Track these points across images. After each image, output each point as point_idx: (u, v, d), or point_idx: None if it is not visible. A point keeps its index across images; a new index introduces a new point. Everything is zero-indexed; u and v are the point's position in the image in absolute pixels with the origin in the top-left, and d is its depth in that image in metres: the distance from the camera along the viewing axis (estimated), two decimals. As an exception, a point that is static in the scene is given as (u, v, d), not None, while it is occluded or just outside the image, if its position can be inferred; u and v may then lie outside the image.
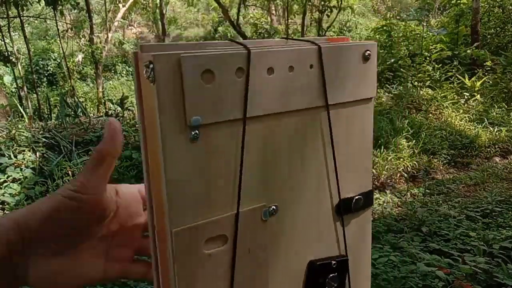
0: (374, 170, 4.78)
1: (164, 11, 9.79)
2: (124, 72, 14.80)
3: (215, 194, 0.30)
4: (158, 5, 10.37)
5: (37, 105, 8.06)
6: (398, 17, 12.01)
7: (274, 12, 14.65)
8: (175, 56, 0.26)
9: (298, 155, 0.34)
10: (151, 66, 0.26)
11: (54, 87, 13.19)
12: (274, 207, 0.33)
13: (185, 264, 0.29)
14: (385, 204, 3.84)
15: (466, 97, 7.04)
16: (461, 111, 6.54)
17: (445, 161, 5.19)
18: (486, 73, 7.68)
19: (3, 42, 7.86)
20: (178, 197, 0.28)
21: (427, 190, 4.14)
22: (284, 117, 0.32)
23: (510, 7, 9.70)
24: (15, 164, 5.00)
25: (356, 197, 0.37)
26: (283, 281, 0.34)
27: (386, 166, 4.85)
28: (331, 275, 0.35)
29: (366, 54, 0.35)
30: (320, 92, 0.33)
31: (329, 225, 0.36)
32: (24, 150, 5.25)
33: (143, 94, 0.31)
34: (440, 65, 7.90)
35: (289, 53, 0.31)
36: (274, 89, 0.31)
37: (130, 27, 16.84)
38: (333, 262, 0.36)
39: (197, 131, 0.28)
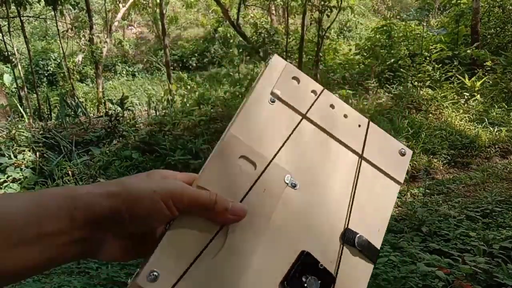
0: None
1: (164, 11, 9.78)
2: (124, 72, 14.80)
3: (268, 140, 0.40)
4: (158, 5, 10.37)
5: (37, 105, 8.06)
6: (398, 17, 12.02)
7: (274, 12, 14.64)
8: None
9: (330, 166, 0.42)
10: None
11: (54, 87, 13.19)
12: (296, 183, 0.39)
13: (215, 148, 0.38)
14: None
15: (466, 97, 7.03)
16: (461, 111, 6.54)
17: (445, 161, 5.19)
18: (486, 73, 7.68)
19: (3, 42, 7.86)
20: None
21: (427, 190, 4.14)
22: (330, 136, 0.43)
23: (510, 7, 9.70)
24: (15, 164, 5.00)
25: (360, 235, 0.40)
26: (269, 256, 0.36)
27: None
28: (313, 277, 0.36)
29: (402, 151, 0.46)
30: (362, 144, 0.44)
31: (332, 238, 0.39)
32: (24, 150, 5.25)
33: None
34: (440, 65, 7.90)
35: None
36: (329, 112, 0.44)
37: (130, 27, 16.84)
38: (322, 266, 0.37)
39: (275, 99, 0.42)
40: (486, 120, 6.12)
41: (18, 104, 7.57)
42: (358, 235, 0.39)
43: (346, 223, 0.40)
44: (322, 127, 0.43)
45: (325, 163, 0.42)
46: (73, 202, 0.30)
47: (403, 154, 0.46)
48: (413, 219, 3.21)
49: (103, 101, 9.95)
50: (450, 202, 3.66)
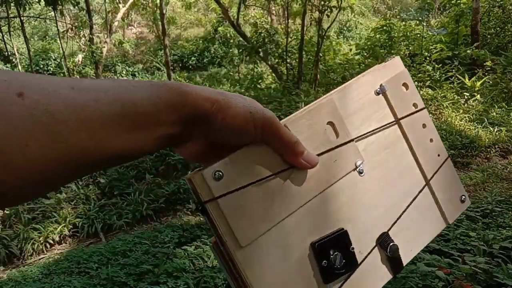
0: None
1: (164, 11, 9.78)
2: (124, 72, 14.80)
3: (357, 122, 0.42)
4: (158, 5, 10.37)
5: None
6: (398, 17, 12.01)
7: (274, 12, 14.64)
8: None
9: (398, 175, 0.44)
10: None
11: (54, 87, 13.18)
12: (363, 172, 0.41)
13: None
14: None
15: (466, 97, 7.03)
16: (461, 111, 6.53)
17: (445, 161, 5.18)
18: (486, 73, 7.68)
19: (3, 42, 7.86)
20: None
21: (427, 190, 4.14)
22: (410, 149, 0.45)
23: (510, 7, 9.70)
24: (15, 164, 5.00)
25: (395, 243, 0.42)
26: (313, 216, 0.38)
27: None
28: (340, 254, 0.38)
29: (463, 198, 0.49)
30: (433, 172, 0.47)
31: (371, 234, 0.41)
32: (24, 150, 5.26)
33: None
34: (440, 65, 7.90)
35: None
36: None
37: (130, 27, 16.84)
38: (353, 249, 0.39)
39: (380, 92, 0.45)
40: (486, 120, 6.12)
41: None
42: (393, 243, 0.41)
43: (388, 229, 0.42)
44: (408, 138, 0.45)
45: (395, 169, 0.44)
46: (183, 100, 0.32)
47: (462, 201, 0.48)
48: (413, 219, 3.20)
49: (103, 101, 9.92)
50: (450, 202, 3.66)
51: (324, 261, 0.37)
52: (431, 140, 0.46)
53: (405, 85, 0.45)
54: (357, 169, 0.40)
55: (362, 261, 0.39)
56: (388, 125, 0.43)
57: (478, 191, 4.01)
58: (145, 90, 0.31)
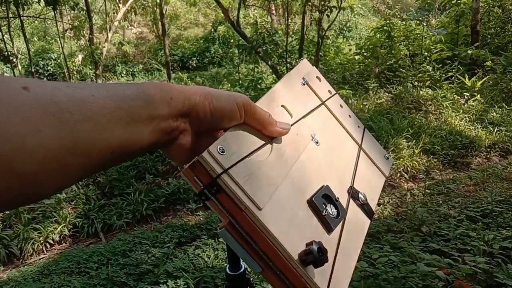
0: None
1: (164, 11, 9.78)
2: (124, 72, 14.80)
3: (299, 105, 0.50)
4: (158, 5, 10.38)
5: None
6: (398, 17, 12.01)
7: (274, 12, 14.64)
8: None
9: (341, 141, 0.53)
10: None
11: (54, 87, 13.17)
12: (318, 141, 0.49)
13: None
14: (385, 204, 3.84)
15: (466, 97, 7.03)
16: (461, 111, 6.53)
17: (445, 161, 5.19)
18: (486, 73, 7.68)
19: (3, 42, 7.86)
20: None
21: (427, 190, 4.14)
22: (340, 123, 0.55)
23: (510, 7, 9.71)
24: (15, 164, 5.00)
25: (363, 193, 0.50)
26: (301, 177, 0.44)
27: (386, 166, 4.84)
28: (331, 205, 0.44)
29: (386, 155, 0.60)
30: (360, 139, 0.57)
31: (343, 188, 0.48)
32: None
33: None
34: (440, 65, 7.90)
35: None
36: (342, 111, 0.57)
37: (130, 27, 16.84)
38: (338, 199, 0.45)
39: (305, 83, 0.55)
40: (486, 120, 6.12)
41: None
42: (361, 192, 0.49)
43: (352, 184, 0.50)
44: (335, 115, 0.55)
45: (336, 139, 0.53)
46: (168, 94, 0.36)
47: (387, 158, 0.60)
48: (413, 219, 3.21)
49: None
50: (450, 202, 3.66)
51: (323, 212, 0.42)
52: (349, 116, 0.57)
53: (318, 78, 0.56)
54: (314, 139, 0.48)
55: (347, 208, 0.46)
56: (319, 106, 0.53)
57: (478, 191, 4.01)
58: (134, 88, 0.34)
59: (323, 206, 0.43)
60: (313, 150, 0.47)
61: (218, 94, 0.39)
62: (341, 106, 0.57)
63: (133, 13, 14.48)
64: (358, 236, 0.47)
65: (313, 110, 0.51)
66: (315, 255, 0.36)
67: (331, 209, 0.43)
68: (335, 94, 0.57)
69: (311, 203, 0.42)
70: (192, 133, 0.39)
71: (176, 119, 0.36)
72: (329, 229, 0.42)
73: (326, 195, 0.44)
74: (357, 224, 0.47)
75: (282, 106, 0.47)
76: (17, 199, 0.27)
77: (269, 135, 0.42)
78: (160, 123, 0.35)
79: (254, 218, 0.36)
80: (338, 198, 0.45)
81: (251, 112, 0.41)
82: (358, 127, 0.58)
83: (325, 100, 0.54)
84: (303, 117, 0.49)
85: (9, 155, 0.24)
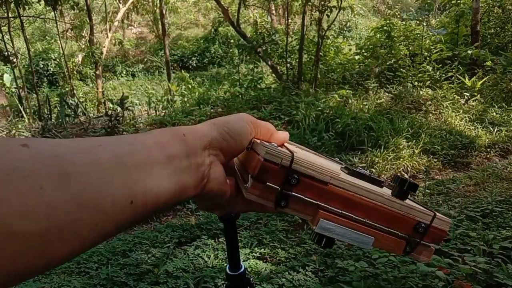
0: (374, 170, 4.78)
1: (164, 11, 9.78)
2: (124, 72, 14.80)
3: None
4: (158, 5, 10.39)
5: (37, 105, 8.04)
6: (398, 17, 12.01)
7: (274, 12, 14.65)
8: None
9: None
10: None
11: (54, 87, 13.18)
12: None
13: None
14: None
15: (466, 97, 7.04)
16: (461, 111, 6.53)
17: (445, 161, 5.19)
18: (486, 73, 7.68)
19: (3, 42, 7.86)
20: None
21: (427, 190, 4.14)
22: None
23: (510, 7, 9.71)
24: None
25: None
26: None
27: (386, 166, 4.85)
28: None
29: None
30: None
31: None
32: (24, 150, 5.25)
33: None
34: (440, 65, 7.90)
35: None
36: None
37: (130, 27, 16.85)
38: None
39: None
40: (486, 120, 6.12)
41: (18, 104, 7.57)
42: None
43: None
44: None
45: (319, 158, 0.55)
46: (179, 132, 0.36)
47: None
48: (413, 219, 3.20)
49: (103, 101, 9.95)
50: (450, 202, 3.66)
51: (367, 173, 0.45)
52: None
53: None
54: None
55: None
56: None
57: (478, 191, 4.01)
58: (143, 134, 0.34)
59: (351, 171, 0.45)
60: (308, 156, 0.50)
61: (226, 119, 0.42)
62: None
63: (133, 13, 14.48)
64: None
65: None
66: (408, 179, 0.38)
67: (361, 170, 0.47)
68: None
69: (353, 173, 0.44)
70: (220, 163, 0.40)
71: (199, 154, 0.36)
72: (381, 186, 0.44)
73: (346, 167, 0.48)
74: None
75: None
76: (25, 266, 0.24)
77: (277, 140, 0.46)
78: (181, 162, 0.34)
79: (342, 183, 0.36)
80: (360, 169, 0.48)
81: (257, 124, 0.44)
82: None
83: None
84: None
85: (7, 217, 0.22)
